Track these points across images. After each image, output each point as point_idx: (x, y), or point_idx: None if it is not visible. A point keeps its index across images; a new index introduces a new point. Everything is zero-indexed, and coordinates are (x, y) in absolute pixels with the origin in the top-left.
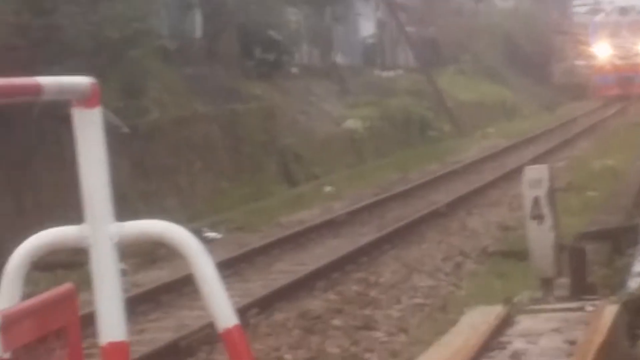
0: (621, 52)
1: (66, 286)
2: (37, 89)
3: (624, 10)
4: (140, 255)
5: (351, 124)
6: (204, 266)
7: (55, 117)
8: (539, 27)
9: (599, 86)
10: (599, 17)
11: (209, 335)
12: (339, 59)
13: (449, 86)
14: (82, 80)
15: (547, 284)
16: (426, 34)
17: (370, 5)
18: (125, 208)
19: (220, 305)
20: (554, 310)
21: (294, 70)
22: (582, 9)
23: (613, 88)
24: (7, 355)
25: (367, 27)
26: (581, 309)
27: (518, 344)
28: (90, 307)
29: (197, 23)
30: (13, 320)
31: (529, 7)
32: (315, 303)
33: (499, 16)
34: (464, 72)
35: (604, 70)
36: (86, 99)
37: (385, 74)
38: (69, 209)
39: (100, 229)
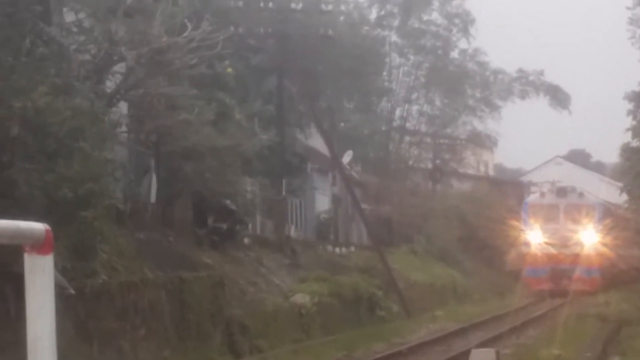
0: (556, 240)
1: None
2: None
3: (561, 191)
4: None
5: (299, 298)
6: None
7: (2, 274)
8: (494, 212)
9: (529, 279)
10: (532, 198)
11: None
12: (293, 232)
13: (401, 266)
14: (37, 226)
15: None
16: (381, 212)
17: (327, 180)
18: None
19: None
20: None
21: (247, 240)
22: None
23: (545, 282)
24: None
25: (322, 202)
26: None
27: None
28: None
29: (152, 187)
30: None
31: (486, 191)
32: None
33: (456, 198)
34: (416, 253)
35: (537, 260)
36: (39, 246)
37: (337, 250)
38: None
39: None
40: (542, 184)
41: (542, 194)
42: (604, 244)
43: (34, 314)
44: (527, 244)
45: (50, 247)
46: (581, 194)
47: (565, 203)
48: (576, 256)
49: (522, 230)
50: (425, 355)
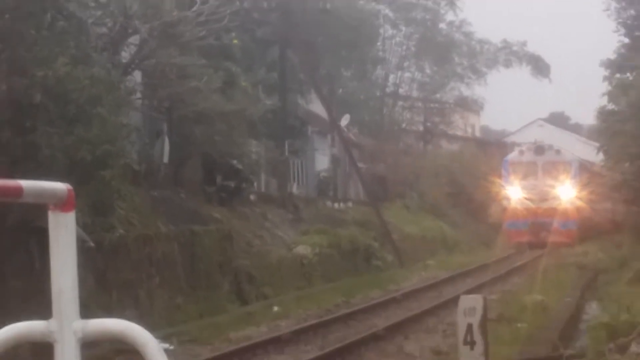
0: (535, 195)
1: None
2: (18, 191)
3: (539, 149)
4: None
5: (301, 249)
6: None
7: (27, 229)
8: (480, 170)
9: (510, 232)
10: (511, 155)
11: None
12: (295, 189)
13: (395, 219)
14: (60, 186)
15: None
16: (376, 170)
17: (327, 142)
18: (87, 317)
19: None
20: None
21: (252, 197)
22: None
23: (525, 235)
24: None
25: (322, 162)
26: None
27: None
28: None
29: (165, 149)
30: None
31: (473, 151)
32: None
33: (445, 158)
34: (409, 208)
35: (516, 214)
36: (62, 204)
37: (336, 205)
38: (36, 316)
39: (66, 324)
40: (525, 145)
41: (521, 152)
42: (580, 198)
43: (57, 267)
44: (507, 199)
45: (72, 205)
46: (558, 152)
47: (543, 160)
48: (554, 210)
49: (502, 186)
50: (417, 300)
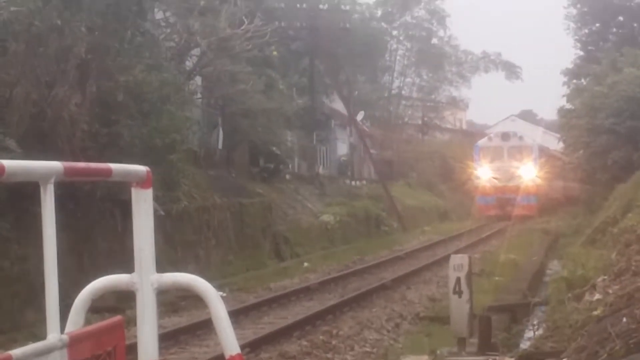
0: (501, 175)
1: (116, 317)
2: (109, 172)
3: (505, 136)
4: (166, 305)
5: (326, 217)
6: (218, 309)
7: (112, 201)
8: (465, 154)
9: (480, 206)
10: (481, 141)
11: None
12: (321, 170)
13: (399, 194)
14: (141, 168)
15: (461, 342)
16: (384, 155)
17: (346, 132)
18: (158, 271)
19: (229, 338)
20: None
21: (287, 176)
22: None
23: (493, 208)
24: None
25: (342, 148)
26: None
27: None
28: (130, 340)
29: (219, 138)
30: (76, 339)
31: (460, 140)
32: (291, 347)
33: (438, 146)
34: (410, 185)
35: (486, 191)
36: (142, 182)
37: (353, 183)
38: (118, 269)
39: (146, 277)
40: (493, 132)
41: (490, 138)
42: (539, 177)
43: (138, 232)
44: (478, 178)
45: (150, 183)
46: (521, 138)
47: (508, 145)
48: (517, 187)
49: (474, 168)
50: (417, 258)
